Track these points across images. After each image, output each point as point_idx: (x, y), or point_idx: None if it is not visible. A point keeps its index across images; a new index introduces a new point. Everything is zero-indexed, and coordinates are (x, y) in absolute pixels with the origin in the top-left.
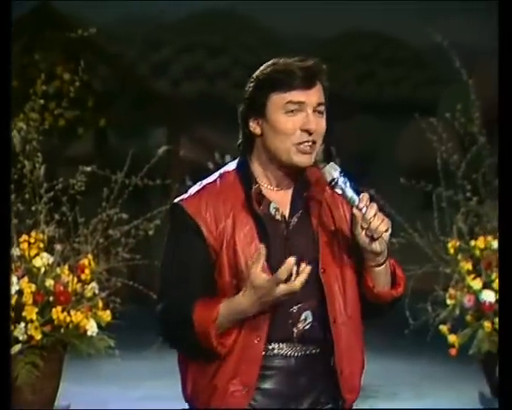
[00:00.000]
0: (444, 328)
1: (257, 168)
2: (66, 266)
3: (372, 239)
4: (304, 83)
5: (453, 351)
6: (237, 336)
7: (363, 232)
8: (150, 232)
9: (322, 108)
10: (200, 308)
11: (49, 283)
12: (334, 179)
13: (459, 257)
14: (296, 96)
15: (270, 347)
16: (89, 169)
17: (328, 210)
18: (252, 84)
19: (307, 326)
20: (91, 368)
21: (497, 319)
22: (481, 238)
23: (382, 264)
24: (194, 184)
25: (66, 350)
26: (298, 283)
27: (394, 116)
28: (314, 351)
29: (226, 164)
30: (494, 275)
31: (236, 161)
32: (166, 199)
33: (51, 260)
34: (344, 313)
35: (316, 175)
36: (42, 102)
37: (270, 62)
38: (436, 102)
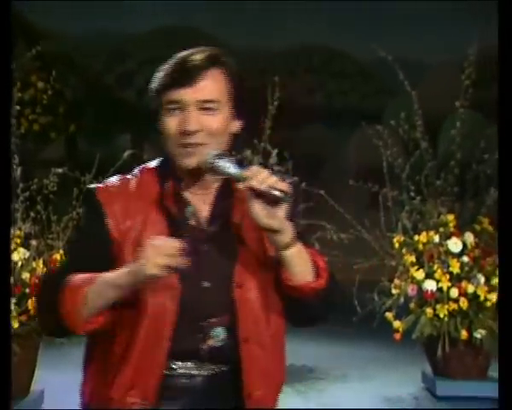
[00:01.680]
0: (389, 315)
1: (175, 169)
2: (41, 260)
3: (268, 212)
4: (182, 80)
5: (398, 336)
6: (134, 344)
7: (257, 207)
8: None
9: (211, 104)
10: (72, 283)
11: (26, 275)
12: (211, 163)
13: (403, 251)
14: (174, 94)
15: (175, 366)
16: (60, 171)
17: (252, 221)
18: (153, 90)
19: (218, 344)
20: (65, 356)
21: (437, 306)
22: (424, 233)
23: (289, 246)
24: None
25: (41, 338)
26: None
27: (343, 124)
28: (224, 369)
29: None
30: (436, 266)
31: (159, 160)
32: None
33: (27, 254)
34: (262, 332)
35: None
36: (18, 108)
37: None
38: (381, 111)
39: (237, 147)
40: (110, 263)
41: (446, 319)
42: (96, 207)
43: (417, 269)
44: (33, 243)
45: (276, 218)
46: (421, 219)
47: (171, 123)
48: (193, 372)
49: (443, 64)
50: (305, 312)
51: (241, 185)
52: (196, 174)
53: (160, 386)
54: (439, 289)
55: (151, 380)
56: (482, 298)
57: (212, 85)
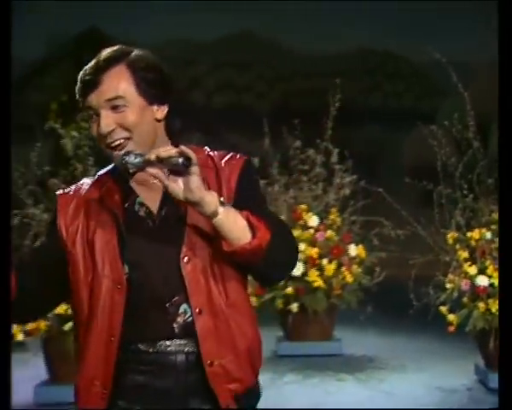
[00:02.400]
0: (443, 309)
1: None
2: None
3: (180, 184)
4: (85, 88)
5: (451, 329)
6: (89, 336)
7: (172, 185)
8: None
9: (118, 101)
10: None
11: None
12: (120, 161)
13: (457, 247)
14: (87, 102)
15: (158, 344)
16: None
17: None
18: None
19: (188, 319)
20: None
21: (489, 300)
22: (476, 230)
23: (216, 214)
24: None
25: None
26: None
27: (399, 124)
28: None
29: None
30: (488, 262)
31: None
32: None
33: None
34: (215, 303)
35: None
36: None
37: None
38: (435, 112)
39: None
40: (60, 258)
41: (498, 313)
42: (54, 208)
43: (470, 265)
44: None
45: (193, 190)
46: (473, 217)
47: (94, 128)
48: (174, 349)
49: (493, 65)
50: (257, 273)
51: (150, 170)
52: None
53: (146, 365)
54: (491, 285)
55: (107, 369)
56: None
57: (114, 83)
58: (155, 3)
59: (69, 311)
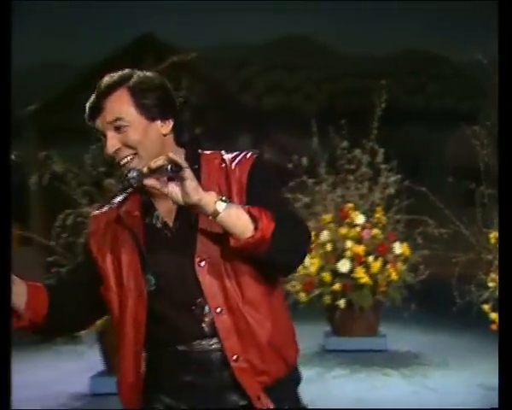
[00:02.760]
0: (486, 307)
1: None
2: None
3: (174, 189)
4: (91, 114)
5: (494, 327)
6: (121, 345)
7: (172, 192)
8: None
9: (120, 122)
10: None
11: None
12: (127, 180)
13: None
14: (95, 125)
15: (193, 344)
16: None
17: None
18: None
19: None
20: None
21: None
22: None
23: (217, 213)
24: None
25: None
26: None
27: (442, 124)
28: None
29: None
30: None
31: None
32: None
33: None
34: (232, 301)
35: (209, 166)
36: None
37: None
38: (477, 112)
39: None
40: (94, 276)
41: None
42: (87, 230)
43: None
44: None
45: (189, 193)
46: None
47: (104, 149)
48: (207, 348)
49: None
50: (269, 264)
51: (146, 182)
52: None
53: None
54: None
55: (138, 377)
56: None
57: (115, 107)
58: (208, 8)
59: None
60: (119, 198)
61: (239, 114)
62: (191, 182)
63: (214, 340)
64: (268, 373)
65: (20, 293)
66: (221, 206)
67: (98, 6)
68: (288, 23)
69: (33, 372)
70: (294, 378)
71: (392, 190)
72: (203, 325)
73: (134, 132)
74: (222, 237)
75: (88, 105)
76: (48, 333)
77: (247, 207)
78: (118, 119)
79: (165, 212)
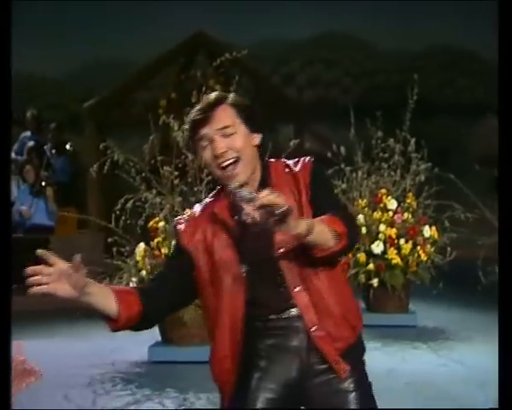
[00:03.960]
0: None
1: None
2: None
3: (279, 223)
4: (202, 120)
5: None
6: (217, 322)
7: (273, 221)
8: None
9: (227, 129)
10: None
11: None
12: (233, 192)
13: None
14: (201, 132)
15: (283, 314)
16: None
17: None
18: (186, 135)
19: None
20: None
21: None
22: None
23: (309, 234)
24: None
25: None
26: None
27: (470, 116)
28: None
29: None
30: None
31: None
32: None
33: None
34: (311, 280)
35: (277, 172)
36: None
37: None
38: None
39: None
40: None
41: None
42: (176, 236)
43: None
44: None
45: (291, 230)
46: None
47: (206, 154)
48: (295, 315)
49: None
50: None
51: (249, 208)
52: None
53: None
54: None
55: (235, 349)
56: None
57: (222, 116)
58: (253, 7)
59: None
60: (208, 199)
61: (282, 106)
62: (291, 220)
63: (298, 310)
64: (342, 339)
65: (102, 294)
66: (310, 228)
67: (150, 5)
68: (326, 21)
69: (96, 342)
70: (361, 346)
71: (422, 178)
72: (291, 301)
73: (239, 138)
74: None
75: (194, 117)
76: (144, 327)
77: (324, 218)
78: (226, 126)
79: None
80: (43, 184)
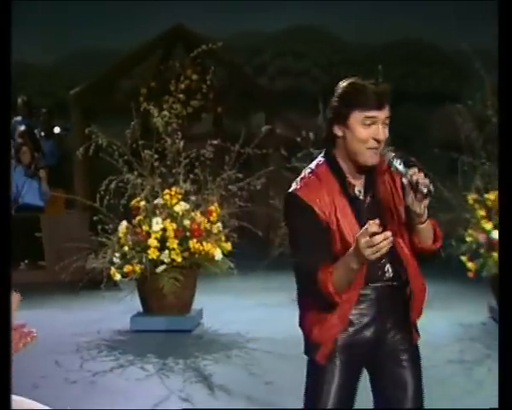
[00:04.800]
0: (464, 258)
1: (341, 162)
2: (199, 212)
3: (418, 202)
4: (377, 104)
5: (471, 274)
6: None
7: (411, 197)
8: (258, 187)
9: (387, 120)
10: (321, 270)
11: (186, 223)
12: (390, 161)
13: (476, 206)
14: (372, 113)
15: (370, 286)
16: (215, 142)
17: (390, 189)
18: (336, 100)
19: (390, 273)
20: (216, 284)
21: None
22: (492, 193)
23: (424, 222)
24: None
25: (199, 269)
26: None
27: (430, 104)
28: (395, 283)
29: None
30: None
31: (323, 155)
32: (268, 163)
33: (187, 207)
34: (411, 266)
35: (380, 164)
36: (181, 96)
37: (349, 82)
38: (461, 93)
39: None
40: (329, 238)
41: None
42: (302, 204)
43: (487, 221)
44: (192, 198)
45: (421, 207)
46: (490, 181)
47: (365, 132)
48: (378, 286)
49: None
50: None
51: (404, 179)
52: (362, 166)
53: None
54: None
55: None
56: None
57: (388, 107)
58: (227, 4)
59: (161, 257)
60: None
61: (255, 94)
62: (427, 202)
63: (385, 283)
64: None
65: None
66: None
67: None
68: (296, 15)
69: (82, 312)
70: None
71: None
72: (385, 273)
73: (387, 132)
74: (399, 215)
75: (371, 99)
76: None
77: (431, 220)
78: (387, 117)
79: (358, 186)
80: (38, 166)
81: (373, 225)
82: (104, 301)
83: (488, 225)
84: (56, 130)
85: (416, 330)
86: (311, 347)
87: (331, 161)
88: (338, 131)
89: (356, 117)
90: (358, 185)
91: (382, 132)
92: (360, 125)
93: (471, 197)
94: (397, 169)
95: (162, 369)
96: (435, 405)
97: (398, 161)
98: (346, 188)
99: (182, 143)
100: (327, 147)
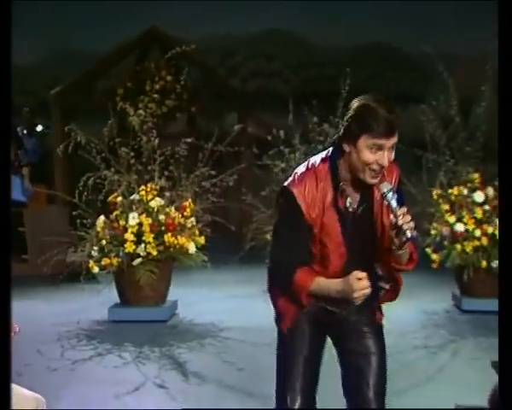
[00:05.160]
0: (429, 250)
1: (342, 171)
2: (173, 207)
3: (398, 241)
4: (387, 132)
5: (435, 265)
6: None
7: (394, 233)
8: (230, 184)
9: (394, 146)
10: (301, 274)
11: (161, 217)
12: (384, 193)
13: (440, 201)
14: (380, 141)
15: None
16: (189, 140)
17: (379, 207)
18: (349, 120)
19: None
20: (191, 277)
21: (465, 243)
22: (456, 188)
23: (403, 250)
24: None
25: (174, 263)
26: (361, 294)
27: (397, 104)
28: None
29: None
30: (464, 213)
31: (329, 154)
32: (240, 161)
33: (162, 202)
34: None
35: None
36: (156, 96)
37: (362, 104)
38: (426, 95)
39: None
40: (309, 238)
41: (471, 252)
42: (293, 201)
43: (450, 215)
44: (167, 194)
45: (399, 244)
46: (454, 177)
47: (371, 157)
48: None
49: (476, 56)
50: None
51: (392, 216)
52: (360, 182)
53: None
54: (467, 230)
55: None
56: (498, 237)
57: (396, 136)
58: (203, 5)
59: (137, 250)
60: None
61: (227, 95)
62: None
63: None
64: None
65: None
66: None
67: (111, 4)
68: (268, 19)
69: (62, 304)
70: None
71: None
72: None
73: (392, 156)
74: (384, 230)
75: (383, 129)
76: None
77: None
78: (395, 143)
79: (352, 198)
80: (21, 163)
81: (358, 274)
82: (83, 293)
83: (451, 219)
84: (39, 128)
85: (380, 311)
86: (277, 316)
87: (333, 167)
88: (346, 148)
89: (365, 141)
90: (352, 197)
91: (387, 159)
92: (367, 149)
93: (435, 192)
94: (389, 203)
95: (138, 357)
96: (400, 388)
97: (392, 195)
98: (338, 197)
99: (157, 141)
100: (334, 156)
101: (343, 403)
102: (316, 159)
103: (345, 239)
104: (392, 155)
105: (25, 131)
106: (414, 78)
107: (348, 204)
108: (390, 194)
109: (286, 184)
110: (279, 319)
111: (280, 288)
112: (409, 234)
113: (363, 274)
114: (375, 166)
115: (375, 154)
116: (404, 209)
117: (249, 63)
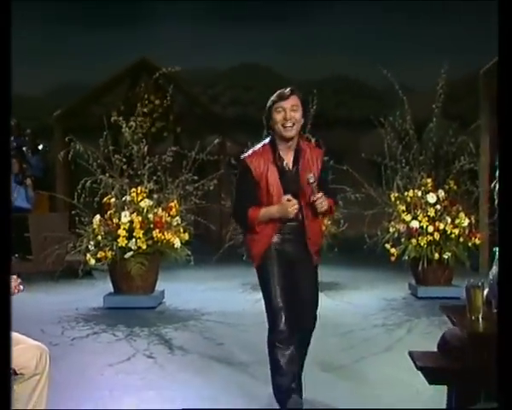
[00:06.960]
0: (387, 245)
1: (278, 142)
2: (161, 207)
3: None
4: (283, 99)
5: (393, 258)
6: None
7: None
8: (211, 188)
9: (295, 107)
10: (251, 211)
11: (150, 216)
12: (308, 179)
13: (397, 202)
14: (280, 103)
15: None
16: (174, 149)
17: (309, 165)
18: (267, 106)
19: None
20: (178, 271)
21: (419, 238)
22: (411, 191)
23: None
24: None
25: (161, 256)
26: (292, 209)
27: (359, 126)
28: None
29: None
30: (419, 212)
31: (268, 139)
32: (219, 168)
33: (151, 203)
34: (312, 211)
35: (305, 146)
36: (144, 118)
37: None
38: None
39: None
40: (257, 190)
41: (425, 246)
42: (246, 166)
43: (406, 214)
44: (155, 196)
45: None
46: (409, 182)
47: (278, 117)
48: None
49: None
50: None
51: (313, 197)
52: (288, 142)
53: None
54: (421, 227)
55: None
56: (449, 232)
57: (294, 100)
58: (190, 41)
59: (129, 245)
60: (260, 148)
61: (209, 119)
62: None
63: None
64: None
65: None
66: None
67: (109, 36)
68: (244, 54)
69: (62, 295)
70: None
71: None
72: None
73: (299, 114)
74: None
75: (280, 95)
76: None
77: (330, 200)
78: (296, 105)
79: (287, 159)
80: (26, 175)
81: (288, 197)
82: (81, 287)
83: (407, 217)
84: (40, 147)
85: (317, 256)
86: (251, 256)
87: (271, 141)
88: (272, 125)
89: (274, 111)
90: (287, 160)
91: (289, 114)
92: (275, 113)
93: (393, 195)
94: (312, 188)
95: (130, 335)
96: (363, 356)
97: (313, 182)
98: (277, 160)
99: (146, 149)
100: (269, 134)
101: (340, 401)
102: (265, 141)
103: (283, 188)
104: (297, 115)
105: (29, 150)
106: (376, 106)
107: (285, 164)
108: (312, 181)
109: (242, 156)
110: (252, 258)
111: (241, 225)
112: (320, 209)
113: (291, 197)
114: (284, 123)
115: (281, 114)
116: (320, 194)
117: (228, 93)
